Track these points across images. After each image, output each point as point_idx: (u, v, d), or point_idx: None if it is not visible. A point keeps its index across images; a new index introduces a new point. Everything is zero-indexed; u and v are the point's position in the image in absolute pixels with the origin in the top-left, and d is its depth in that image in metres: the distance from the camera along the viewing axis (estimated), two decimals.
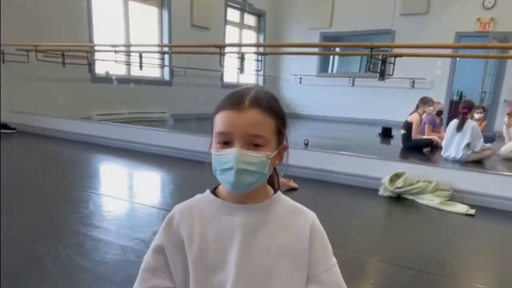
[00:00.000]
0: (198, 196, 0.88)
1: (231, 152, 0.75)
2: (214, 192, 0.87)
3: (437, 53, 5.19)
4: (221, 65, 4.00)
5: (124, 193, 3.16)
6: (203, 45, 4.45)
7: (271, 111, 0.78)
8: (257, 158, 0.76)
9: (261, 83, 10.23)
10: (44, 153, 4.55)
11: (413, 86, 8.65)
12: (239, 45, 5.63)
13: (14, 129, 5.35)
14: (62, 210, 2.53)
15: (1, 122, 5.33)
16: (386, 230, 2.63)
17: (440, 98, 7.49)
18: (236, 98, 0.78)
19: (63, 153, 4.55)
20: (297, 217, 0.86)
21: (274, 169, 0.88)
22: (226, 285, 0.80)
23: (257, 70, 4.94)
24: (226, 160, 0.76)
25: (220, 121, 0.77)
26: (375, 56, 3.36)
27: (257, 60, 5.36)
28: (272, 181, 0.90)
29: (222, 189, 0.85)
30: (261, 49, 9.27)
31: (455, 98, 9.25)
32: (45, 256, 1.83)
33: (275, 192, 0.88)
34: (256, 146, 0.77)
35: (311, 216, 0.87)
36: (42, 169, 3.74)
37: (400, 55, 3.73)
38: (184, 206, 0.87)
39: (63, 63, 5.20)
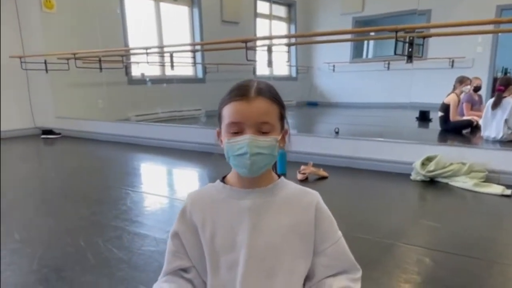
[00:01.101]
0: (209, 184, 0.97)
1: (244, 139, 0.82)
2: (223, 180, 0.95)
3: (467, 31, 4.92)
4: (248, 59, 4.05)
5: (160, 189, 3.30)
6: (229, 40, 4.50)
7: (274, 99, 0.86)
8: (267, 142, 0.83)
9: (293, 74, 10.20)
10: (86, 155, 4.82)
11: (452, 65, 8.29)
12: (266, 37, 5.60)
13: (59, 134, 5.69)
14: (103, 208, 2.69)
15: (47, 128, 5.68)
16: (416, 214, 2.60)
17: (483, 76, 7.17)
18: (242, 90, 0.84)
19: (103, 155, 4.80)
20: (302, 198, 0.92)
21: None
22: (238, 264, 0.87)
23: (287, 62, 4.94)
24: (239, 146, 0.82)
25: (230, 112, 0.84)
26: (400, 39, 3.29)
27: (287, 52, 5.38)
28: (275, 165, 0.97)
29: (230, 176, 0.94)
30: (292, 40, 9.25)
31: (499, 75, 8.79)
32: (87, 249, 1.98)
33: (279, 177, 0.95)
34: (263, 133, 0.83)
35: (315, 195, 0.94)
36: (84, 170, 3.97)
37: (430, 36, 3.64)
38: (196, 195, 0.96)
39: (100, 68, 5.45)
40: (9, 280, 1.68)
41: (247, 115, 0.82)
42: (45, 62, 5.49)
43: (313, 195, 0.93)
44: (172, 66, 4.93)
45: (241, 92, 0.84)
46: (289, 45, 5.61)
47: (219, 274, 0.89)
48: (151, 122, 5.82)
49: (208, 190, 0.95)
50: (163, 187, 3.41)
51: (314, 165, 3.27)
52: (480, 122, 4.68)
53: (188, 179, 3.76)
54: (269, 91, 0.85)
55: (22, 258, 1.90)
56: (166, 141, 4.82)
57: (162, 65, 6.52)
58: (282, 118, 0.88)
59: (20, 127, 5.80)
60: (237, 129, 0.83)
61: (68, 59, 5.42)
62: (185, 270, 0.94)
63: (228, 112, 0.84)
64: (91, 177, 3.63)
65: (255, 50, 4.61)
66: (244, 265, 0.86)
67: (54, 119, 5.86)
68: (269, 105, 0.84)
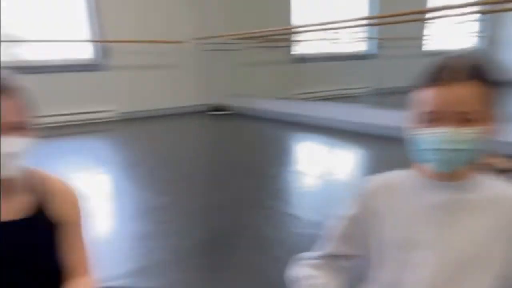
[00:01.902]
0: (397, 171, 0.86)
1: (442, 131, 0.70)
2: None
3: None
4: (425, 34, 3.57)
5: (316, 170, 3.21)
6: (401, 13, 3.91)
7: (482, 81, 0.71)
8: (469, 135, 0.70)
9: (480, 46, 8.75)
10: (251, 132, 5.06)
11: None
12: (453, 6, 4.58)
13: (231, 111, 6.10)
14: (258, 184, 2.75)
15: (220, 105, 6.15)
16: None
17: None
18: (441, 73, 0.72)
19: (267, 132, 4.96)
20: (509, 195, 0.76)
21: None
22: (422, 265, 0.75)
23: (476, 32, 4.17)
24: (435, 140, 0.71)
25: (426, 99, 0.73)
26: None
27: (475, 20, 4.56)
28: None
29: (418, 165, 0.81)
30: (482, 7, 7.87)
31: None
32: (240, 226, 2.04)
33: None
34: (467, 122, 0.70)
35: None
36: (249, 147, 4.17)
37: None
38: (380, 180, 0.86)
39: (268, 47, 5.58)
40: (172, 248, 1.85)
41: (446, 104, 0.70)
42: (221, 43, 5.88)
43: None
44: (339, 43, 4.70)
45: (439, 76, 0.71)
46: (480, 12, 4.69)
47: (390, 269, 0.78)
48: (315, 100, 5.77)
49: (395, 177, 0.84)
50: (318, 168, 3.32)
51: (503, 156, 2.72)
52: None
53: (347, 161, 3.59)
54: (474, 72, 0.70)
55: (185, 227, 2.07)
56: (329, 120, 4.69)
57: (333, 41, 6.30)
58: (492, 103, 0.72)
59: (195, 103, 6.41)
60: (434, 118, 0.71)
61: (240, 39, 5.69)
62: (344, 257, 0.86)
63: (423, 99, 0.73)
64: (253, 154, 3.78)
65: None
66: (431, 268, 0.74)
67: (225, 97, 6.29)
68: (473, 90, 0.70)
